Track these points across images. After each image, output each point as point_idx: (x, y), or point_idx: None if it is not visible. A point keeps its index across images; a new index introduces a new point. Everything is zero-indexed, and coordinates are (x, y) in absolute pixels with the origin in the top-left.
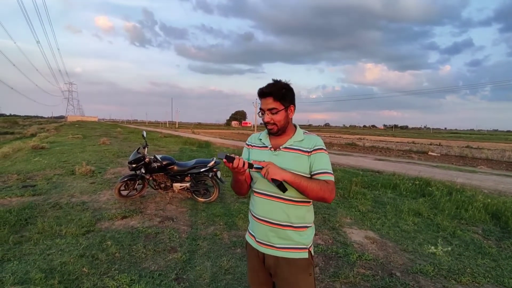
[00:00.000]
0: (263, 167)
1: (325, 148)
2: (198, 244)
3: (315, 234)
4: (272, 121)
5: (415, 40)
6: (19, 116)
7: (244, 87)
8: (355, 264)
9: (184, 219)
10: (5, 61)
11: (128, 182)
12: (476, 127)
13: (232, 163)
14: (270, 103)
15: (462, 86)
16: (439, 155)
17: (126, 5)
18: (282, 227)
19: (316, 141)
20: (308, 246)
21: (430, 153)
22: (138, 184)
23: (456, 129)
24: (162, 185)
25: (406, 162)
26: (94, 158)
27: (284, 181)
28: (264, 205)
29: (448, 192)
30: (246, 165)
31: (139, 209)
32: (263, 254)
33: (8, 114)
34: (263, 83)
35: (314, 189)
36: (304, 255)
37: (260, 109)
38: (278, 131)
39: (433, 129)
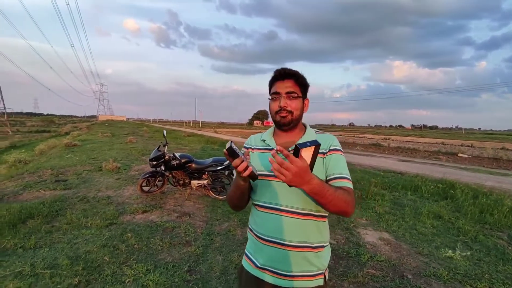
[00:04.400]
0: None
1: (341, 149)
2: (212, 239)
3: None
4: (288, 108)
5: (448, 36)
6: (55, 115)
7: (267, 87)
8: (365, 264)
9: (200, 215)
10: (43, 64)
11: (149, 178)
12: None
13: (233, 160)
14: (291, 86)
15: (499, 83)
16: (469, 156)
17: (151, 7)
18: (298, 249)
19: (332, 140)
20: (324, 270)
21: (460, 154)
22: (158, 181)
23: (491, 130)
24: (181, 182)
25: (431, 163)
26: (120, 155)
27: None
28: (273, 222)
29: (473, 195)
30: (248, 172)
31: (159, 205)
32: (270, 284)
33: (45, 113)
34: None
35: (341, 199)
36: (319, 282)
37: (274, 93)
38: (291, 123)
39: (465, 129)
